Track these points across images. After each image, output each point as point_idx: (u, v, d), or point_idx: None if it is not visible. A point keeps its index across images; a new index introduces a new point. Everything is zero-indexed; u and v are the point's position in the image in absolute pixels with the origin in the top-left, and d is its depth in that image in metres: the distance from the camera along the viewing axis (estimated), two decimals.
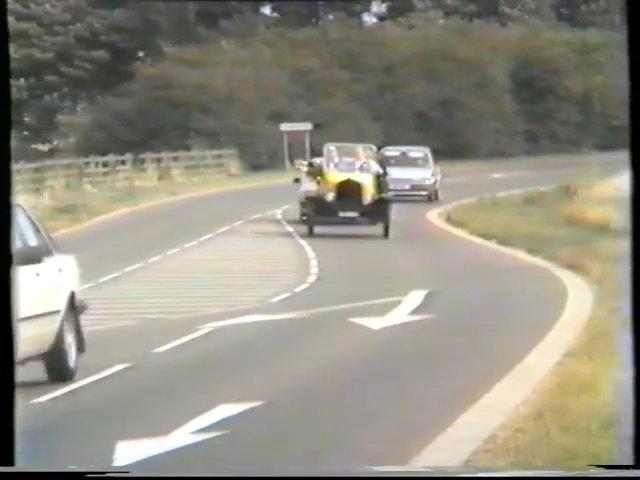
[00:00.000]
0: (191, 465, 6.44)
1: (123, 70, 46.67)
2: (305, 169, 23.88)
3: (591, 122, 48.43)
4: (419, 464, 6.29)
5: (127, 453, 6.73)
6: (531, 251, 19.22)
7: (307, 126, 44.00)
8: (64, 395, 8.77)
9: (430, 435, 7.03)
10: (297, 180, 23.90)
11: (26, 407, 8.17)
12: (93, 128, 45.72)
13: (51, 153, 43.97)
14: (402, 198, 27.74)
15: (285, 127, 44.82)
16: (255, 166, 42.10)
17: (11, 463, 4.54)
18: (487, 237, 21.71)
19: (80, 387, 9.05)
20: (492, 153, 47.93)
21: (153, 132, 44.21)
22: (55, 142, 47.42)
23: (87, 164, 36.86)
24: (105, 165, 37.78)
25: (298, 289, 15.13)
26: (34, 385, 9.02)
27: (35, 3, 48.34)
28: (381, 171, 22.67)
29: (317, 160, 24.18)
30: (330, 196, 22.25)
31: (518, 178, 35.45)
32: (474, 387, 8.59)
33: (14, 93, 48.70)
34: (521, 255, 19.31)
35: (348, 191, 22.18)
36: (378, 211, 22.09)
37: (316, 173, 22.91)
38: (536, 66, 48.89)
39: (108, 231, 25.18)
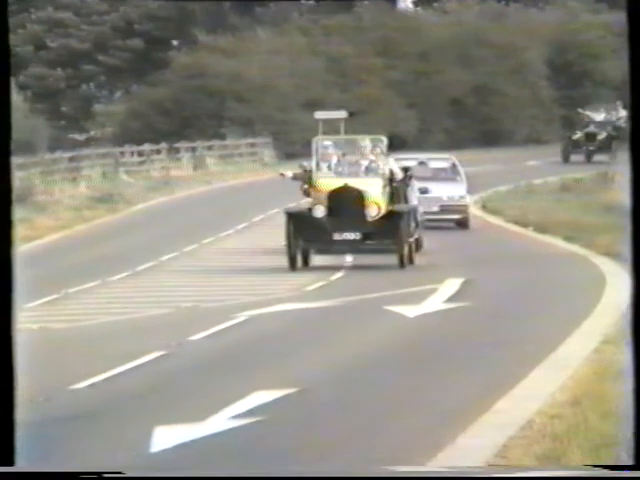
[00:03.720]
0: (226, 451, 6.47)
1: (158, 59, 46.82)
2: (290, 175, 16.33)
3: (629, 107, 47.63)
4: (455, 451, 6.29)
5: (165, 438, 6.78)
6: (568, 238, 19.08)
7: (342, 114, 43.66)
8: (103, 381, 8.83)
9: (466, 421, 7.02)
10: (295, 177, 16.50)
11: (66, 392, 8.25)
12: (129, 117, 45.93)
13: (88, 142, 44.21)
14: (426, 224, 19.63)
15: (319, 115, 44.48)
16: (289, 154, 42.10)
17: (11, 463, 4.56)
18: (523, 224, 21.56)
19: (118, 374, 9.09)
20: (528, 140, 47.62)
21: (188, 121, 44.33)
22: (92, 132, 47.68)
23: (123, 153, 37.04)
24: (141, 154, 37.96)
25: (333, 277, 15.10)
26: (72, 371, 9.09)
27: None
28: (399, 174, 15.95)
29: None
30: (320, 211, 15.33)
31: (554, 165, 35.25)
32: (511, 374, 8.57)
33: (52, 83, 49.07)
34: (558, 242, 19.19)
35: (345, 203, 15.37)
36: (388, 230, 15.22)
37: (304, 179, 15.90)
38: (573, 50, 48.48)
39: (144, 220, 25.30)
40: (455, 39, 47.81)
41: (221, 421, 7.25)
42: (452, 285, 13.97)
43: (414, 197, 17.16)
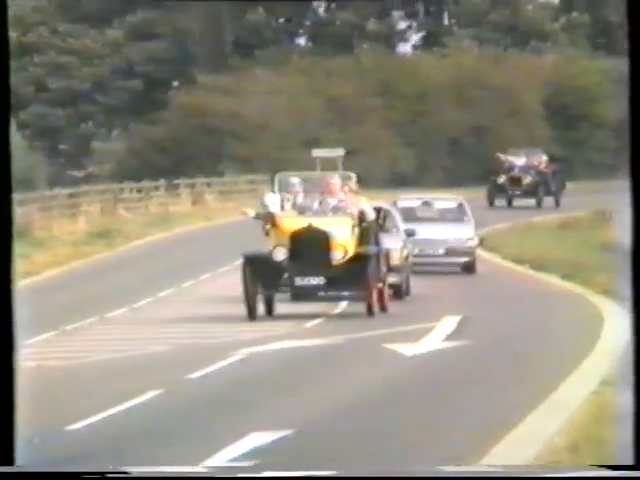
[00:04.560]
0: None
1: (157, 98, 47.12)
2: (252, 214, 14.72)
3: (626, 148, 47.86)
4: None
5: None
6: (566, 276, 19.01)
7: (339, 152, 43.94)
8: (99, 421, 8.72)
9: (464, 466, 6.91)
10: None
11: (62, 433, 8.15)
12: (127, 155, 46.11)
13: (86, 179, 44.32)
14: (430, 268, 19.05)
15: (317, 153, 44.78)
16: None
17: (11, 463, 4.46)
18: (521, 262, 21.48)
19: (114, 413, 9.00)
20: None
21: (187, 158, 44.48)
22: (90, 169, 47.83)
23: (122, 190, 37.12)
24: (139, 191, 38.05)
25: (336, 310, 14.99)
26: (68, 411, 8.99)
27: (75, 38, 48.96)
28: (370, 214, 14.44)
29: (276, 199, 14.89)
30: (281, 253, 13.97)
31: (552, 203, 35.27)
32: (508, 416, 8.47)
33: (52, 122, 49.30)
34: (555, 280, 19.12)
35: (309, 245, 14.04)
36: (354, 275, 13.82)
37: (266, 219, 14.43)
38: (570, 94, 48.77)
39: (142, 256, 25.25)
40: (453, 81, 48.16)
41: (218, 464, 7.14)
42: (449, 323, 13.87)
43: (395, 239, 16.00)
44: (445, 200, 21.45)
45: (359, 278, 14.05)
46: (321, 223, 14.52)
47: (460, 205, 20.96)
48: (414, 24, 52.71)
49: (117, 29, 49.40)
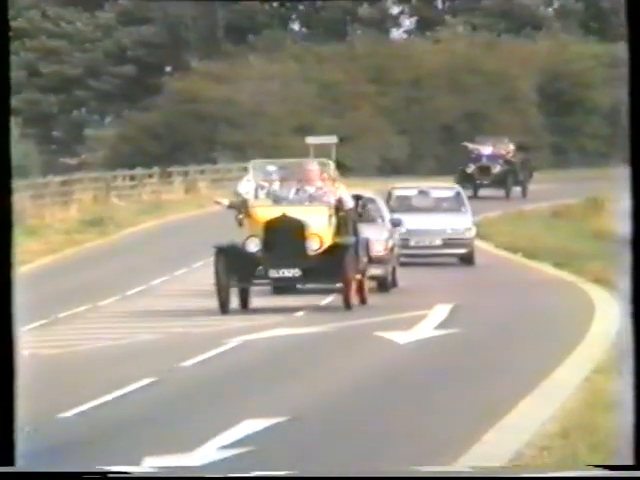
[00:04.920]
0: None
1: (150, 84, 47.00)
2: (227, 203, 14.12)
3: (620, 135, 48.06)
4: None
5: (152, 469, 6.70)
6: (558, 265, 19.05)
7: (333, 139, 44.12)
8: (92, 409, 8.76)
9: (455, 452, 6.97)
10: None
11: (54, 421, 8.19)
12: (120, 142, 46.03)
13: (79, 167, 44.28)
14: (428, 260, 18.40)
15: (311, 140, 45.02)
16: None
17: (11, 463, 4.50)
18: (513, 250, 21.49)
19: (107, 401, 9.03)
20: None
21: (180, 145, 44.45)
22: (83, 156, 47.77)
23: (115, 177, 37.09)
24: (132, 178, 38.02)
25: (323, 302, 14.98)
26: (61, 399, 9.03)
27: (66, 22, 48.86)
28: (349, 202, 13.81)
29: (250, 187, 13.98)
30: (254, 244, 13.27)
31: (545, 191, 35.33)
32: (500, 403, 8.52)
33: (44, 108, 49.17)
34: (547, 269, 19.16)
35: (283, 235, 13.31)
36: (331, 265, 13.14)
37: (239, 208, 13.74)
38: (564, 79, 48.76)
39: (135, 244, 25.24)
40: (447, 67, 48.12)
41: (210, 451, 7.18)
42: (441, 311, 13.90)
43: (379, 229, 15.33)
44: (442, 189, 20.59)
45: (336, 269, 13.31)
46: (296, 212, 13.70)
47: (457, 194, 20.16)
48: (406, 9, 52.67)
49: (108, 12, 49.24)
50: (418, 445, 7.29)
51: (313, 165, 14.33)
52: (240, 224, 13.86)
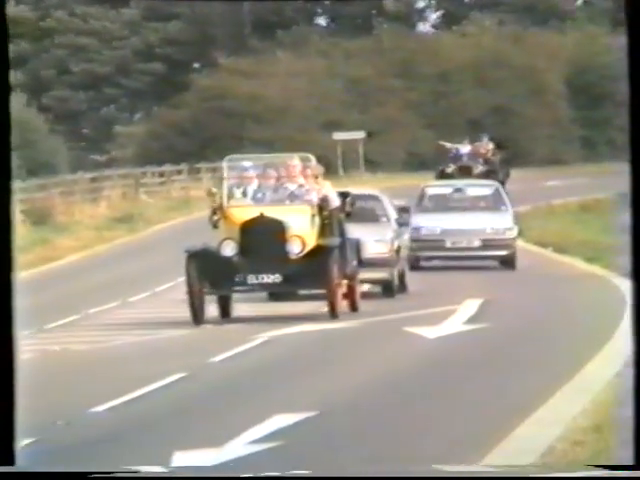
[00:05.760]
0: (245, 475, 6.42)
1: (178, 81, 47.14)
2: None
3: None
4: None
5: (183, 463, 6.73)
6: (588, 259, 18.90)
7: (360, 134, 43.99)
8: (122, 404, 8.78)
9: (487, 447, 6.94)
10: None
11: (86, 416, 8.24)
12: (149, 138, 46.20)
13: (108, 163, 44.47)
14: (464, 263, 17.07)
15: (338, 136, 44.91)
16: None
17: (11, 463, 4.51)
18: (543, 245, 21.34)
19: (137, 397, 9.05)
20: (547, 160, 47.61)
21: (208, 142, 44.60)
22: (112, 153, 47.99)
23: (143, 174, 37.22)
24: (161, 175, 38.12)
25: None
26: (92, 394, 9.08)
27: (94, 18, 49.14)
28: (335, 201, 12.61)
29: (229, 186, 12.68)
30: (229, 248, 12.13)
31: (574, 185, 35.08)
32: (531, 397, 8.49)
33: (73, 105, 49.38)
34: (578, 263, 19.03)
35: (261, 237, 12.17)
36: (314, 270, 11.99)
37: (213, 209, 12.55)
38: (592, 72, 48.45)
39: (164, 240, 25.31)
40: (474, 61, 47.93)
41: (240, 445, 7.20)
42: (471, 306, 13.84)
43: (383, 230, 14.15)
44: (479, 186, 19.01)
45: (320, 274, 12.07)
46: (276, 212, 12.40)
47: (497, 191, 18.56)
48: (433, 3, 52.54)
49: (133, 9, 49.47)
50: (447, 440, 7.27)
51: (294, 160, 12.96)
52: (215, 226, 12.61)
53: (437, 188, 18.86)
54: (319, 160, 13.29)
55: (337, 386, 9.31)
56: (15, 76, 47.26)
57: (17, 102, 41.43)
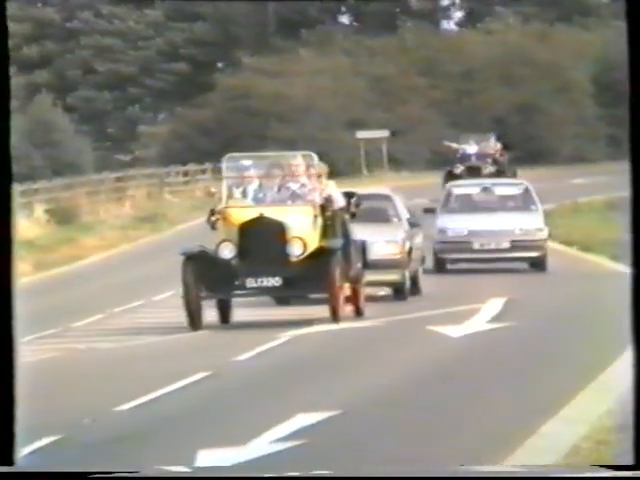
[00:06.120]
0: (269, 474, 6.44)
1: (202, 81, 47.29)
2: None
3: None
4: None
5: (207, 461, 6.75)
6: (614, 257, 18.80)
7: (384, 133, 43.86)
8: (147, 402, 8.80)
9: (512, 445, 6.92)
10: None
11: (111, 414, 8.28)
12: (173, 138, 46.36)
13: (133, 163, 44.66)
14: (492, 265, 16.50)
15: (362, 135, 44.81)
16: (332, 174, 42.14)
17: (11, 463, 4.49)
18: (568, 243, 21.21)
19: (162, 395, 9.07)
20: (572, 158, 47.39)
21: (232, 141, 44.72)
22: (137, 152, 48.20)
23: (167, 174, 37.33)
24: (185, 174, 38.25)
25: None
26: (117, 392, 9.13)
27: (119, 19, 49.39)
28: (339, 201, 12.14)
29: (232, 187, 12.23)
30: (227, 250, 11.67)
31: (599, 183, 34.90)
32: (555, 396, 8.45)
33: (99, 105, 49.66)
34: (604, 261, 18.93)
35: (261, 239, 11.69)
36: (316, 273, 11.51)
37: (212, 209, 12.17)
38: (619, 69, 48.24)
39: (188, 239, 25.31)
40: (499, 58, 47.75)
41: (264, 444, 7.19)
42: (495, 305, 13.78)
43: (394, 230, 13.71)
44: (507, 185, 18.43)
45: (322, 277, 11.50)
46: (276, 213, 11.86)
47: (526, 190, 17.77)
48: (457, 0, 52.43)
49: (158, 10, 49.67)
50: (471, 439, 7.25)
51: (298, 159, 12.39)
52: (213, 227, 12.12)
53: (463, 188, 18.20)
54: (321, 158, 12.72)
55: (360, 385, 9.29)
56: (41, 76, 47.52)
57: (43, 102, 41.67)
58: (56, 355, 11.78)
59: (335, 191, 12.48)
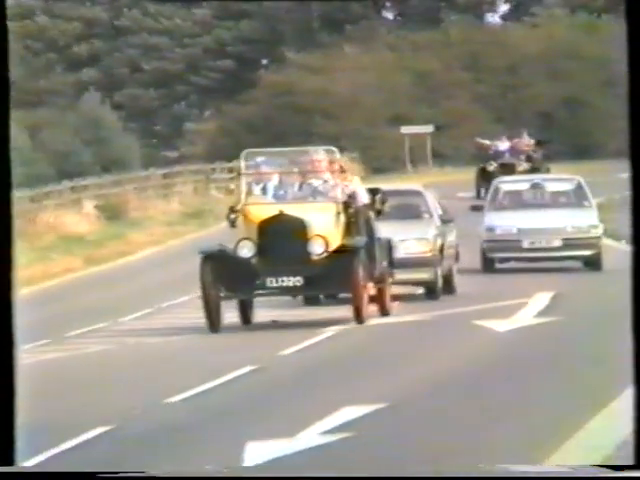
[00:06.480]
0: (316, 466, 6.48)
1: (247, 78, 47.40)
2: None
3: None
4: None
5: (256, 453, 6.81)
6: None
7: (428, 128, 43.64)
8: (195, 395, 8.86)
9: (560, 439, 6.90)
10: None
11: (160, 406, 8.37)
12: (219, 135, 46.55)
13: (179, 159, 44.94)
14: (544, 264, 15.78)
15: (406, 130, 44.62)
16: (376, 169, 42.26)
17: (11, 463, 4.50)
18: (616, 238, 21.01)
19: (210, 388, 9.12)
20: (620, 152, 46.89)
21: (276, 137, 44.83)
22: (183, 149, 48.49)
23: (213, 170, 37.51)
24: (230, 171, 38.37)
25: (419, 291, 14.75)
26: (167, 385, 9.22)
27: (166, 18, 49.71)
28: (363, 197, 11.70)
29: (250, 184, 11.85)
30: (247, 249, 11.27)
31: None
32: (603, 391, 8.41)
33: (145, 103, 50.06)
34: None
35: (281, 237, 11.27)
36: (337, 272, 11.12)
37: (232, 206, 11.76)
38: None
39: (234, 235, 25.39)
40: (544, 52, 47.33)
41: (311, 436, 7.23)
42: (542, 299, 13.72)
43: (425, 227, 13.19)
44: (559, 181, 17.29)
45: (344, 276, 11.05)
46: (298, 210, 11.35)
47: (579, 186, 16.78)
48: None
49: (205, 9, 49.93)
50: (519, 433, 7.23)
51: (320, 154, 11.79)
52: (232, 225, 11.62)
53: (512, 184, 17.21)
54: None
55: (406, 379, 9.29)
56: (89, 74, 47.91)
57: (91, 100, 42.01)
58: (106, 348, 11.89)
59: (359, 187, 11.98)
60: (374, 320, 12.42)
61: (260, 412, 8.27)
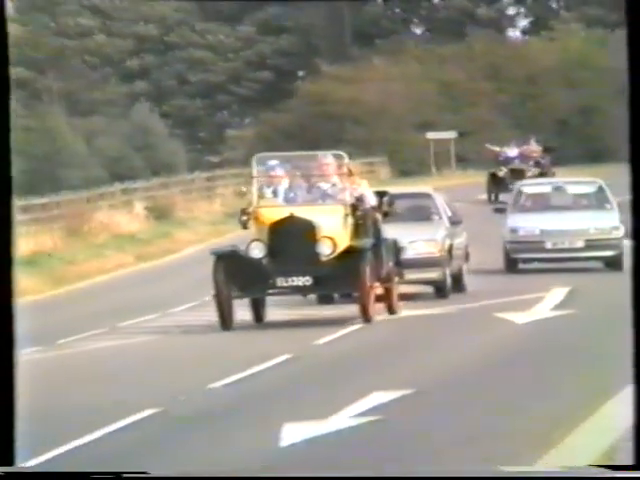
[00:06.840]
0: (348, 446, 6.49)
1: (285, 89, 47.64)
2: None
3: None
4: (562, 453, 6.14)
5: (292, 434, 6.85)
6: None
7: (452, 134, 43.66)
8: (236, 381, 8.91)
9: (574, 424, 6.86)
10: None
11: (204, 391, 8.43)
12: (258, 141, 46.76)
13: (221, 164, 45.20)
14: (566, 265, 15.38)
15: (431, 135, 44.66)
16: (404, 172, 42.31)
17: (11, 463, 4.44)
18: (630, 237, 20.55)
19: (251, 374, 9.17)
20: None
21: (310, 143, 44.88)
22: (225, 154, 48.79)
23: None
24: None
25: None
26: (210, 372, 9.25)
27: (211, 34, 50.13)
28: (371, 200, 11.57)
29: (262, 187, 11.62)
30: (258, 249, 11.13)
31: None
32: (619, 380, 8.35)
33: (191, 112, 50.48)
34: None
35: (291, 238, 11.15)
36: (345, 273, 11.01)
37: (244, 208, 11.57)
38: None
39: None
40: (561, 64, 47.22)
41: (343, 419, 7.24)
42: (558, 294, 13.62)
43: (434, 228, 13.04)
44: (580, 183, 16.72)
45: (352, 276, 10.91)
46: (307, 212, 11.21)
47: (600, 189, 16.34)
48: (522, 10, 51.93)
49: (247, 25, 50.24)
50: (536, 420, 7.21)
51: (328, 158, 11.64)
52: (244, 227, 11.47)
53: (534, 187, 16.77)
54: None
55: (430, 367, 9.28)
56: (140, 86, 48.51)
57: (142, 109, 42.63)
58: (154, 338, 11.98)
59: (367, 190, 11.87)
60: (401, 313, 12.38)
61: (295, 397, 8.32)
